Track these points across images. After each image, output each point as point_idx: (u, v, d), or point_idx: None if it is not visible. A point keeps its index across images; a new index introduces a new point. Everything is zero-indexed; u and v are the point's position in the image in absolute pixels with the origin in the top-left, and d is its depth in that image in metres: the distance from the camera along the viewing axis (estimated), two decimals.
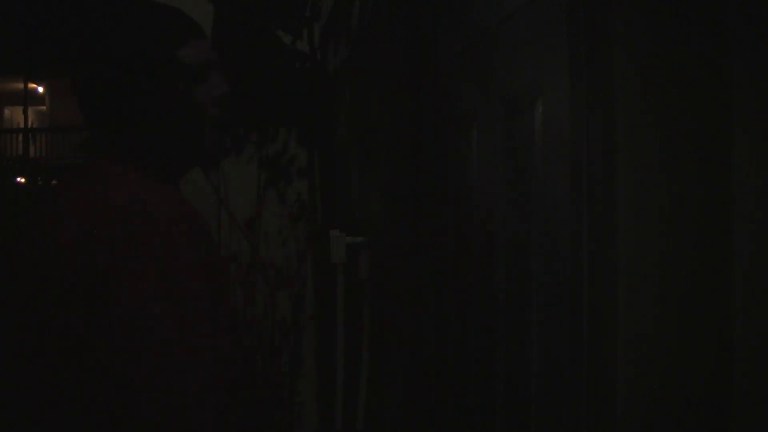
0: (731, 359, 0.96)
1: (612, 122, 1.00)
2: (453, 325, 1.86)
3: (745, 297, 0.95)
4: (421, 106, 2.03)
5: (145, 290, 0.95)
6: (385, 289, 2.09)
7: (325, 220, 3.58)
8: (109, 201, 1.03)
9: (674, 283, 0.99)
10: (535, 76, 1.33)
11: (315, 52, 3.60)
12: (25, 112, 20.90)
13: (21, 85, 21.20)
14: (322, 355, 3.54)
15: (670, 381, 0.98)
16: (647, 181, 0.99)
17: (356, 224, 2.64)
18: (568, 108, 1.17)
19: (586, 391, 1.09)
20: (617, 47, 0.99)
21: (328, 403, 3.21)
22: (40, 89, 23.13)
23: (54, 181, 5.47)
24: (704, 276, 0.98)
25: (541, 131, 1.32)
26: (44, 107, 23.38)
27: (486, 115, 1.63)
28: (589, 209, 1.09)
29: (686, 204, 0.99)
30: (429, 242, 1.99)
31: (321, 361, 3.55)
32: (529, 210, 1.36)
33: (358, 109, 2.75)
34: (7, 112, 23.81)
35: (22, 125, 21.23)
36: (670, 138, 0.99)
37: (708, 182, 0.98)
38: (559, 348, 1.23)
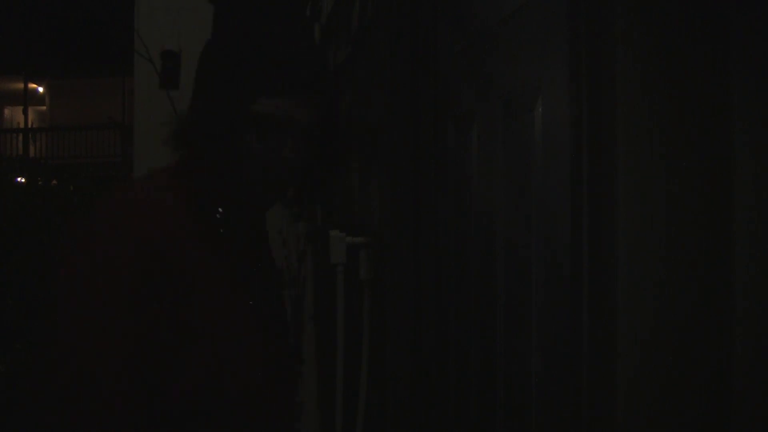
0: (733, 361, 0.96)
1: (612, 122, 1.00)
2: (453, 325, 1.86)
3: (747, 298, 0.95)
4: (421, 106, 2.03)
5: (68, 287, 0.99)
6: (385, 289, 2.09)
7: (325, 220, 3.58)
8: (111, 207, 1.07)
9: (675, 283, 0.98)
10: (535, 76, 1.33)
11: None
12: (25, 112, 20.93)
13: (21, 85, 21.22)
14: (322, 355, 3.54)
15: (671, 382, 0.98)
16: (648, 181, 0.99)
17: (356, 224, 2.64)
18: (568, 108, 1.17)
19: (586, 392, 1.09)
20: (618, 47, 0.99)
21: (328, 403, 3.20)
22: (40, 89, 23.14)
23: (54, 181, 5.47)
24: (706, 276, 0.98)
25: (541, 131, 1.31)
26: (44, 107, 23.39)
27: (486, 114, 1.63)
28: (589, 209, 1.09)
29: (687, 204, 0.99)
30: (429, 242, 1.99)
31: (321, 361, 3.55)
32: (529, 210, 1.36)
33: (358, 109, 2.75)
34: (7, 112, 23.83)
35: (22, 125, 21.25)
36: (671, 137, 0.99)
37: (709, 182, 0.98)
38: (559, 348, 1.23)
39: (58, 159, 18.46)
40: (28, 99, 21.14)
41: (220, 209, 1.11)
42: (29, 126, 20.79)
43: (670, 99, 0.99)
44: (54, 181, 5.66)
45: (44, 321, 1.00)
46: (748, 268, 0.95)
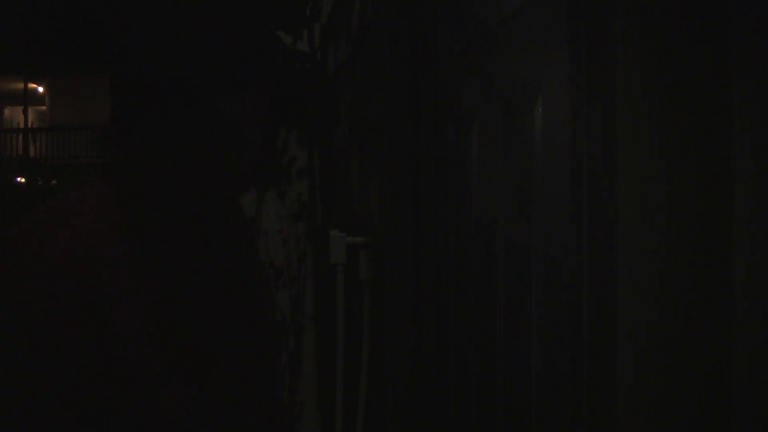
0: (733, 361, 0.96)
1: (612, 122, 1.00)
2: (453, 325, 1.86)
3: (747, 298, 0.95)
4: (421, 106, 2.03)
5: None
6: (385, 289, 2.09)
7: (325, 220, 3.58)
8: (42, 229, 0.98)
9: (675, 283, 0.98)
10: (535, 75, 1.33)
11: (315, 52, 3.60)
12: (25, 112, 20.93)
13: (21, 85, 21.24)
14: (322, 355, 3.54)
15: (671, 382, 0.98)
16: (648, 181, 0.99)
17: (356, 224, 2.64)
18: (568, 108, 1.17)
19: (586, 392, 1.09)
20: (618, 47, 0.99)
21: (328, 403, 3.20)
22: (40, 89, 23.15)
23: (54, 181, 5.47)
24: (706, 276, 0.98)
25: (541, 131, 1.31)
26: (44, 107, 23.40)
27: (486, 115, 1.63)
28: (589, 209, 1.09)
29: (687, 204, 0.99)
30: (429, 242, 1.99)
31: (321, 361, 3.55)
32: (529, 210, 1.36)
33: (358, 109, 2.75)
34: (7, 112, 23.84)
35: (22, 125, 21.26)
36: (671, 138, 0.99)
37: (709, 182, 0.98)
38: (559, 349, 1.23)
39: (58, 159, 18.49)
40: (28, 99, 21.14)
41: (175, 210, 1.04)
42: (29, 126, 20.79)
43: (670, 99, 0.99)
44: (54, 181, 5.66)
45: None
46: (748, 268, 0.95)
